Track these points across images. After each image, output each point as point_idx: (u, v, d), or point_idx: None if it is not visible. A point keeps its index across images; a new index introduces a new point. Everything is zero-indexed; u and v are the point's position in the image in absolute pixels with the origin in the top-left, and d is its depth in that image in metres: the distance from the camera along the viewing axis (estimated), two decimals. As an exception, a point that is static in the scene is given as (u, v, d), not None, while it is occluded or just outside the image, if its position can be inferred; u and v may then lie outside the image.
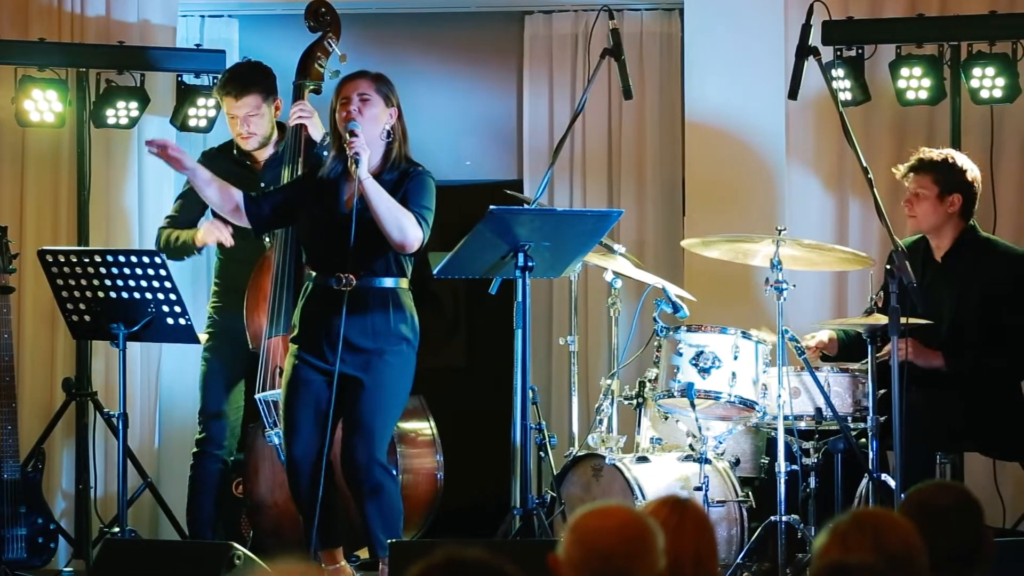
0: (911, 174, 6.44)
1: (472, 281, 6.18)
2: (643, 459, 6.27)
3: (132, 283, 6.08)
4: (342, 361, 5.74)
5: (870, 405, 6.06)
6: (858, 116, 7.28)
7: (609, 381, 6.53)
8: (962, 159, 6.47)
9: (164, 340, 6.55)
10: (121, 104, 7.41)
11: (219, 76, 7.02)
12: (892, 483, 5.91)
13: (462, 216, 6.07)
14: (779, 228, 6.24)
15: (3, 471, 6.74)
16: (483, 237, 5.65)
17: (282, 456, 6.34)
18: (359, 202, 5.67)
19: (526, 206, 6.40)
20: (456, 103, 8.02)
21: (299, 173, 6.38)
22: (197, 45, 7.72)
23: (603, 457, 6.25)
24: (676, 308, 6.34)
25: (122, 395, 6.19)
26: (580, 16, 7.79)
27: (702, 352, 6.19)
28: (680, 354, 6.21)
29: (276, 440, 6.38)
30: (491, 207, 5.59)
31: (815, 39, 6.55)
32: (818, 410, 6.19)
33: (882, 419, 6.03)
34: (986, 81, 7.15)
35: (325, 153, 6.01)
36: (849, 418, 6.20)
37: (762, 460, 6.56)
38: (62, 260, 6.14)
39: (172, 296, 6.08)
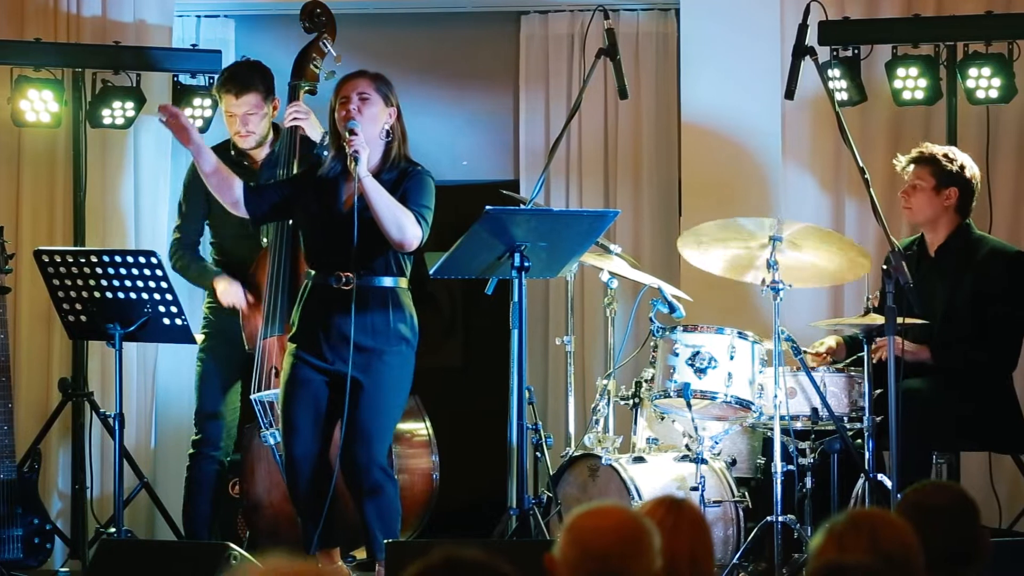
0: (911, 166, 6.47)
1: (468, 281, 6.19)
2: (639, 459, 6.27)
3: (128, 283, 6.08)
4: (344, 361, 5.74)
5: (866, 405, 6.07)
6: (854, 116, 7.28)
7: (605, 381, 6.53)
8: (962, 155, 6.50)
9: (160, 340, 6.55)
10: (117, 104, 7.41)
11: (215, 76, 7.03)
12: (888, 483, 5.92)
13: (458, 216, 6.07)
14: (773, 234, 6.20)
15: (-1, 471, 6.75)
16: (479, 237, 5.65)
17: (278, 456, 6.34)
18: (359, 201, 5.68)
19: (522, 206, 6.40)
20: (452, 103, 8.02)
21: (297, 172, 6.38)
22: (193, 45, 7.71)
23: (599, 457, 6.25)
24: (672, 308, 6.34)
25: (118, 395, 6.19)
26: (576, 16, 7.79)
27: (698, 352, 6.19)
28: (676, 354, 6.21)
29: (272, 440, 6.37)
30: (487, 207, 5.59)
31: (811, 39, 6.55)
32: (814, 410, 6.20)
33: (878, 419, 6.03)
34: (982, 81, 7.15)
35: (325, 153, 6.00)
36: (845, 418, 6.20)
37: (758, 460, 6.56)
38: (58, 260, 6.14)
39: (168, 296, 6.08)
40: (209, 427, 6.76)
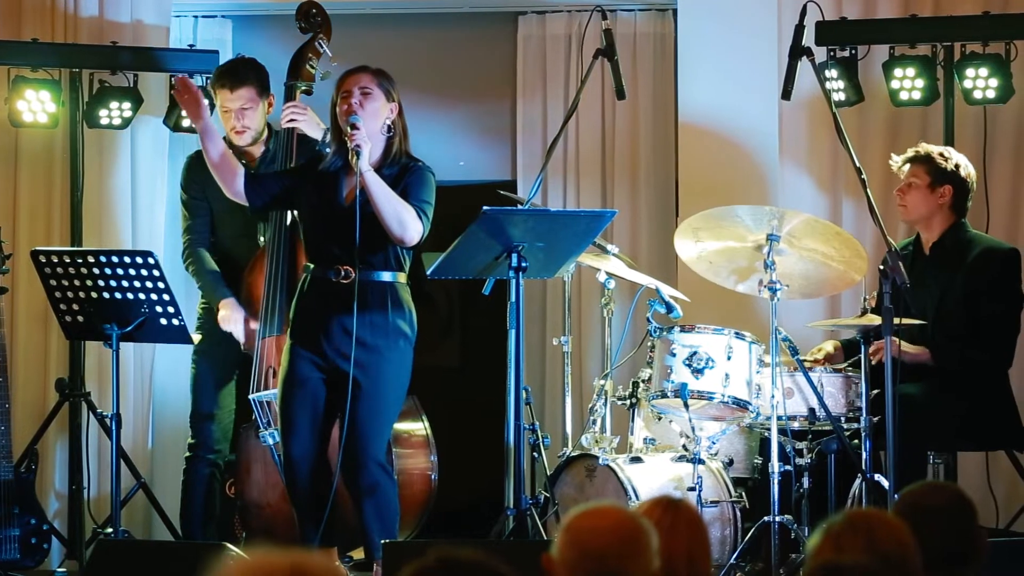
0: (906, 166, 6.49)
1: (466, 281, 6.18)
2: (637, 459, 6.27)
3: (125, 283, 6.07)
4: (342, 357, 5.74)
5: (863, 405, 6.07)
6: (852, 117, 7.28)
7: (602, 381, 6.53)
8: (958, 155, 6.54)
9: (157, 340, 6.54)
10: (114, 104, 7.40)
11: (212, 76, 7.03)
12: (885, 483, 5.92)
13: (456, 216, 6.07)
14: (770, 234, 6.20)
15: (-4, 472, 6.75)
16: (477, 238, 5.65)
17: (276, 456, 6.34)
18: (360, 195, 5.68)
19: (519, 207, 6.40)
20: (450, 104, 8.02)
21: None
22: (190, 45, 7.71)
23: (597, 457, 6.25)
24: (669, 308, 6.34)
25: (115, 395, 6.19)
26: (573, 16, 7.79)
27: (695, 352, 6.18)
28: (674, 354, 6.20)
29: (271, 440, 6.37)
30: (485, 207, 5.59)
31: (808, 40, 6.56)
32: (811, 410, 6.20)
33: (875, 419, 6.04)
34: (979, 82, 7.16)
35: (328, 150, 6.00)
36: (842, 418, 6.20)
37: (755, 460, 6.56)
38: (55, 260, 6.13)
39: (165, 296, 6.07)
40: (204, 429, 6.76)
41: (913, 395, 6.17)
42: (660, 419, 6.48)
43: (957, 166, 6.47)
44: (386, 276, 5.84)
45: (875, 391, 6.08)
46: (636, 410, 6.46)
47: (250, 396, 6.48)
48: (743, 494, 6.33)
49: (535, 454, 6.41)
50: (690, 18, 7.62)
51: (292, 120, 6.55)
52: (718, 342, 6.21)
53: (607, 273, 6.59)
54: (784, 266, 6.22)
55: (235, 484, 6.71)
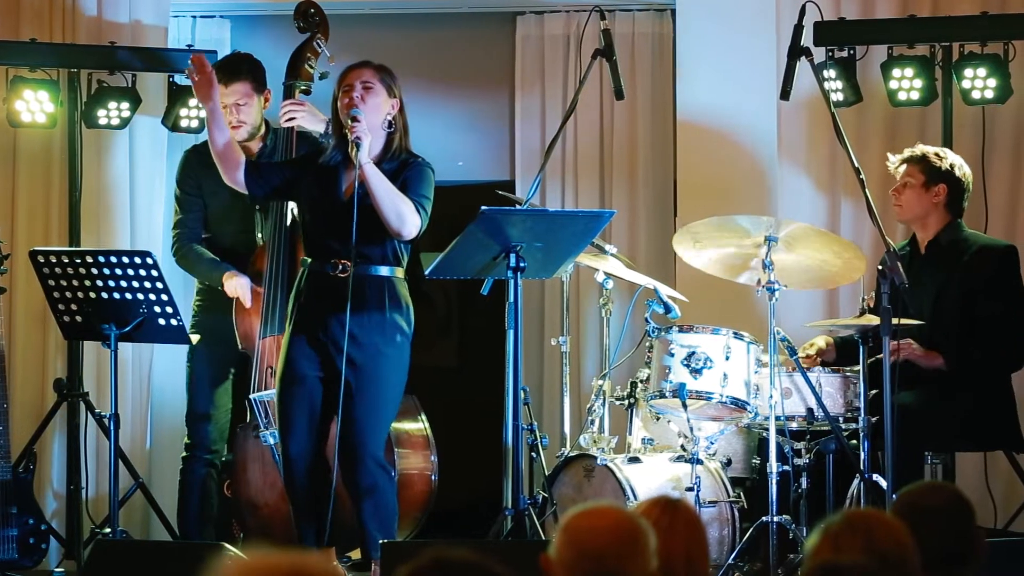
0: (903, 166, 6.51)
1: (464, 282, 6.18)
2: (635, 459, 6.27)
3: (123, 284, 6.07)
4: (339, 352, 5.73)
5: (862, 406, 6.07)
6: (850, 117, 7.28)
7: (601, 382, 6.53)
8: (953, 155, 6.56)
9: (156, 340, 6.54)
10: (112, 105, 7.40)
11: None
12: (884, 483, 5.92)
13: (454, 216, 6.07)
14: (769, 234, 6.20)
15: (-6, 472, 6.75)
16: (475, 238, 5.65)
17: (276, 456, 6.33)
18: (359, 188, 5.68)
19: (518, 207, 6.40)
20: (448, 104, 8.02)
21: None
22: (189, 46, 7.70)
23: (595, 458, 6.25)
24: (668, 309, 6.34)
25: (113, 396, 6.18)
26: (572, 16, 7.78)
27: (694, 352, 6.18)
28: (672, 355, 6.20)
29: (272, 440, 6.37)
30: (483, 207, 5.59)
31: (807, 40, 6.55)
32: (810, 411, 6.19)
33: (873, 420, 6.04)
34: (977, 82, 7.16)
35: (330, 141, 6.00)
36: (841, 419, 6.20)
37: (754, 460, 6.56)
38: (53, 261, 6.13)
39: (164, 296, 6.07)
40: (200, 429, 6.76)
41: (908, 404, 6.15)
42: (658, 419, 6.48)
43: (952, 166, 6.48)
44: (384, 271, 5.84)
45: (873, 391, 6.08)
46: (634, 410, 6.46)
47: (251, 396, 6.47)
48: (741, 494, 6.33)
49: (533, 454, 6.41)
50: (688, 18, 7.62)
51: (291, 118, 6.54)
52: (716, 342, 6.21)
53: (605, 273, 6.59)
54: (784, 262, 6.22)
55: (232, 484, 6.71)
